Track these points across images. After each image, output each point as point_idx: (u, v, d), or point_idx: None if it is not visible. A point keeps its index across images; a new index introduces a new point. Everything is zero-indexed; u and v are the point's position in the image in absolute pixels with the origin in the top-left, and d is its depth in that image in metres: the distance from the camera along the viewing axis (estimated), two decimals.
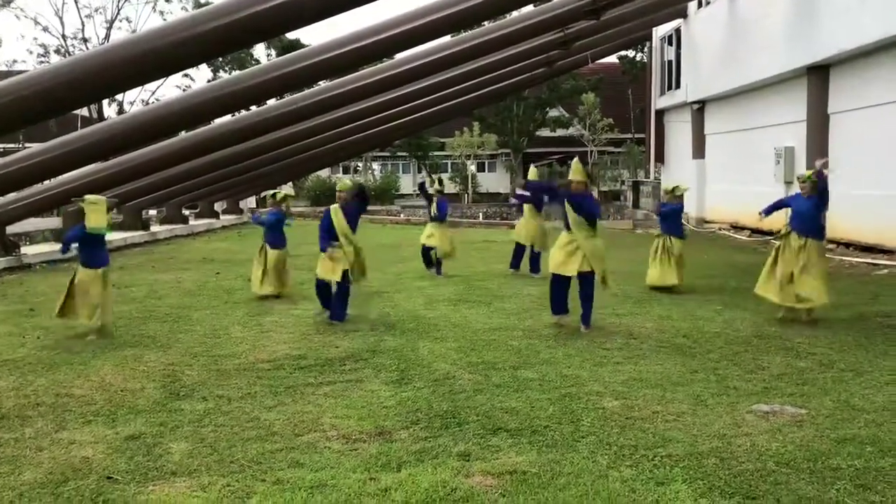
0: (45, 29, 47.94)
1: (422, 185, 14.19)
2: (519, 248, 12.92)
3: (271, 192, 11.48)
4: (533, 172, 8.37)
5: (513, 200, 12.77)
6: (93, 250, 8.56)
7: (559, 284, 8.43)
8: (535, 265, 12.63)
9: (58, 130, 24.65)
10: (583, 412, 5.47)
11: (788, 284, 8.54)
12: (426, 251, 13.04)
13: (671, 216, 11.12)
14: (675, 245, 10.88)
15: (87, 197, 8.60)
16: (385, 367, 6.89)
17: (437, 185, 13.62)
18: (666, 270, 10.80)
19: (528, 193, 12.14)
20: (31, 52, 69.17)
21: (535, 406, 5.63)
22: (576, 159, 8.97)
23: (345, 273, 8.87)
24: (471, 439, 4.97)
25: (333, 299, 8.98)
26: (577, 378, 6.38)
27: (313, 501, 4.07)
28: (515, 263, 12.93)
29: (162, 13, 45.95)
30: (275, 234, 10.86)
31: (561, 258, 8.29)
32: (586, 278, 8.32)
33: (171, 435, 5.18)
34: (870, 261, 13.85)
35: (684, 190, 11.43)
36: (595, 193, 42.32)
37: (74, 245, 8.62)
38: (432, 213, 13.00)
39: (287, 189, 46.98)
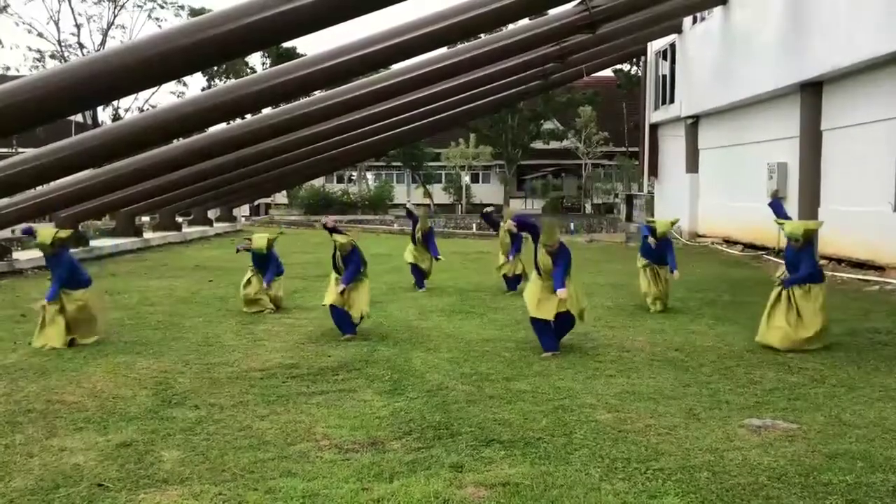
0: (41, 35, 47.96)
1: (409, 212, 13.96)
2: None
3: (249, 245, 10.64)
4: (549, 229, 7.99)
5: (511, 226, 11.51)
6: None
7: (540, 325, 7.99)
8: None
9: (46, 137, 24.56)
10: (576, 424, 5.47)
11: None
12: (415, 269, 12.87)
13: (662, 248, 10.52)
14: (661, 272, 10.47)
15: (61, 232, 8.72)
16: (378, 377, 6.88)
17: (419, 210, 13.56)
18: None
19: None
20: (24, 58, 69.12)
21: (528, 418, 5.63)
22: (548, 221, 8.37)
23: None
24: (464, 450, 4.96)
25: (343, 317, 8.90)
26: (570, 390, 6.38)
27: None
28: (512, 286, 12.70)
29: (158, 20, 46.08)
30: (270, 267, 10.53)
31: (537, 301, 7.89)
32: (564, 317, 7.93)
33: (162, 443, 5.16)
34: (861, 277, 13.92)
35: (663, 224, 10.52)
36: (588, 206, 41.86)
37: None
38: (416, 236, 12.75)
39: (281, 198, 47.02)
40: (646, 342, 8.38)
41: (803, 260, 8.10)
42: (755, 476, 4.51)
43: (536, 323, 7.94)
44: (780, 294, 8.19)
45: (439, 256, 12.93)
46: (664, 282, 10.51)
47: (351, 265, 8.84)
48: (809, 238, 8.16)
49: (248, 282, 10.52)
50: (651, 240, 10.37)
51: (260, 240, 10.53)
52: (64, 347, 8.08)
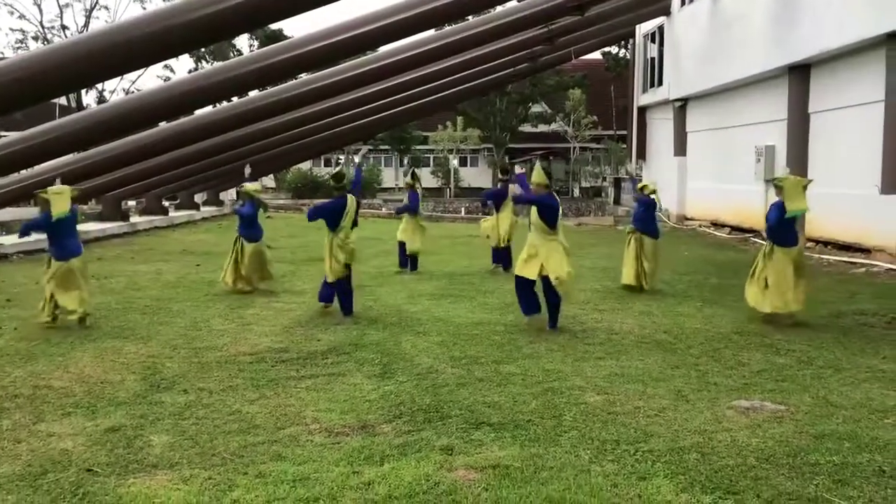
0: (22, 17, 47.30)
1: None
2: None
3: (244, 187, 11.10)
4: (538, 172, 8.25)
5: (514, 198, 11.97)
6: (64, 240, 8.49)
7: (522, 285, 8.15)
8: (504, 261, 12.68)
9: (27, 121, 24.28)
10: (565, 407, 5.49)
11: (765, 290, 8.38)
12: (403, 248, 12.89)
13: (644, 213, 10.80)
14: (647, 243, 10.62)
15: (50, 188, 8.48)
16: (368, 360, 6.88)
17: (408, 179, 13.71)
18: (638, 270, 10.57)
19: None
20: (7, 39, 68.23)
21: (518, 400, 5.65)
22: (538, 164, 8.83)
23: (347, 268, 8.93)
24: (454, 433, 4.97)
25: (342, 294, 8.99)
26: (560, 373, 6.40)
27: (296, 495, 4.06)
28: (497, 259, 12.88)
29: (142, 2, 45.52)
30: (251, 227, 10.71)
31: (522, 260, 8.11)
32: (548, 282, 8.05)
33: (151, 427, 5.14)
34: (847, 259, 14.01)
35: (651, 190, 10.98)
36: (576, 190, 41.75)
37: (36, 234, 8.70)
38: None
39: (269, 181, 46.75)
40: (634, 325, 8.41)
41: (771, 210, 8.39)
42: (743, 457, 4.54)
43: (519, 283, 8.16)
44: (760, 257, 8.53)
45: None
46: (651, 258, 10.57)
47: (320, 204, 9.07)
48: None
49: (235, 261, 10.58)
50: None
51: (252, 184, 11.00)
52: (49, 320, 8.22)
